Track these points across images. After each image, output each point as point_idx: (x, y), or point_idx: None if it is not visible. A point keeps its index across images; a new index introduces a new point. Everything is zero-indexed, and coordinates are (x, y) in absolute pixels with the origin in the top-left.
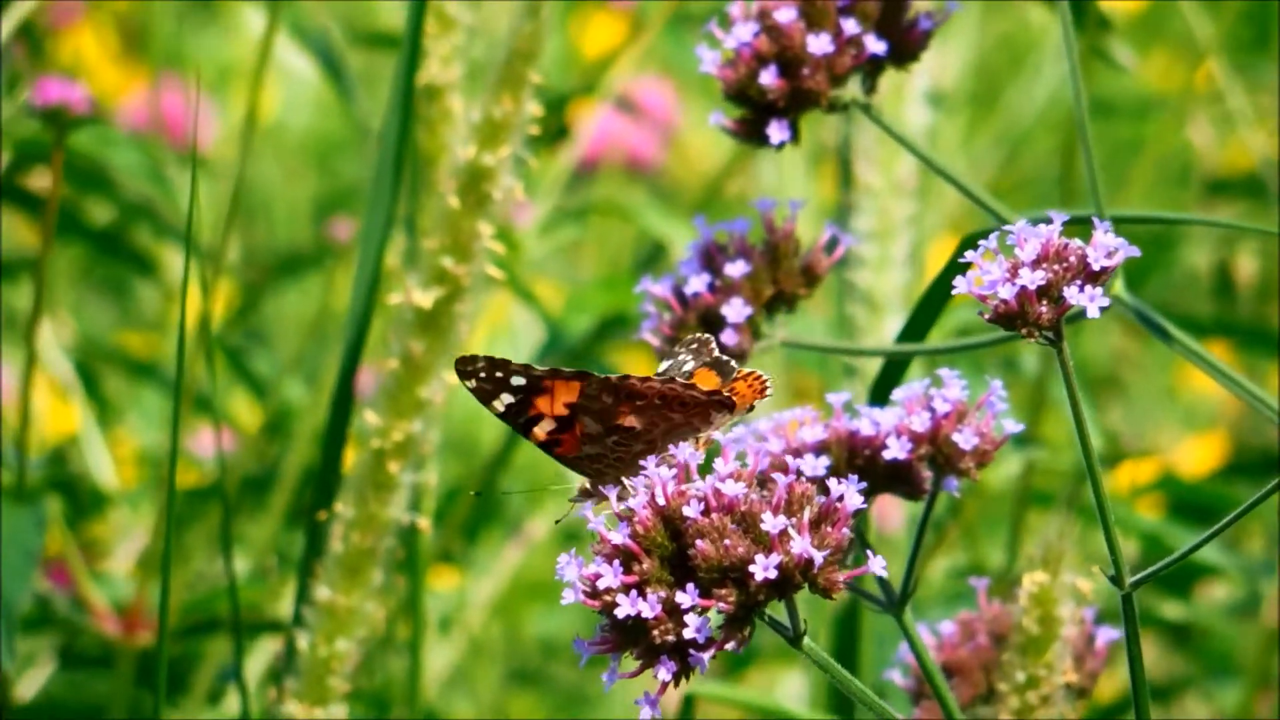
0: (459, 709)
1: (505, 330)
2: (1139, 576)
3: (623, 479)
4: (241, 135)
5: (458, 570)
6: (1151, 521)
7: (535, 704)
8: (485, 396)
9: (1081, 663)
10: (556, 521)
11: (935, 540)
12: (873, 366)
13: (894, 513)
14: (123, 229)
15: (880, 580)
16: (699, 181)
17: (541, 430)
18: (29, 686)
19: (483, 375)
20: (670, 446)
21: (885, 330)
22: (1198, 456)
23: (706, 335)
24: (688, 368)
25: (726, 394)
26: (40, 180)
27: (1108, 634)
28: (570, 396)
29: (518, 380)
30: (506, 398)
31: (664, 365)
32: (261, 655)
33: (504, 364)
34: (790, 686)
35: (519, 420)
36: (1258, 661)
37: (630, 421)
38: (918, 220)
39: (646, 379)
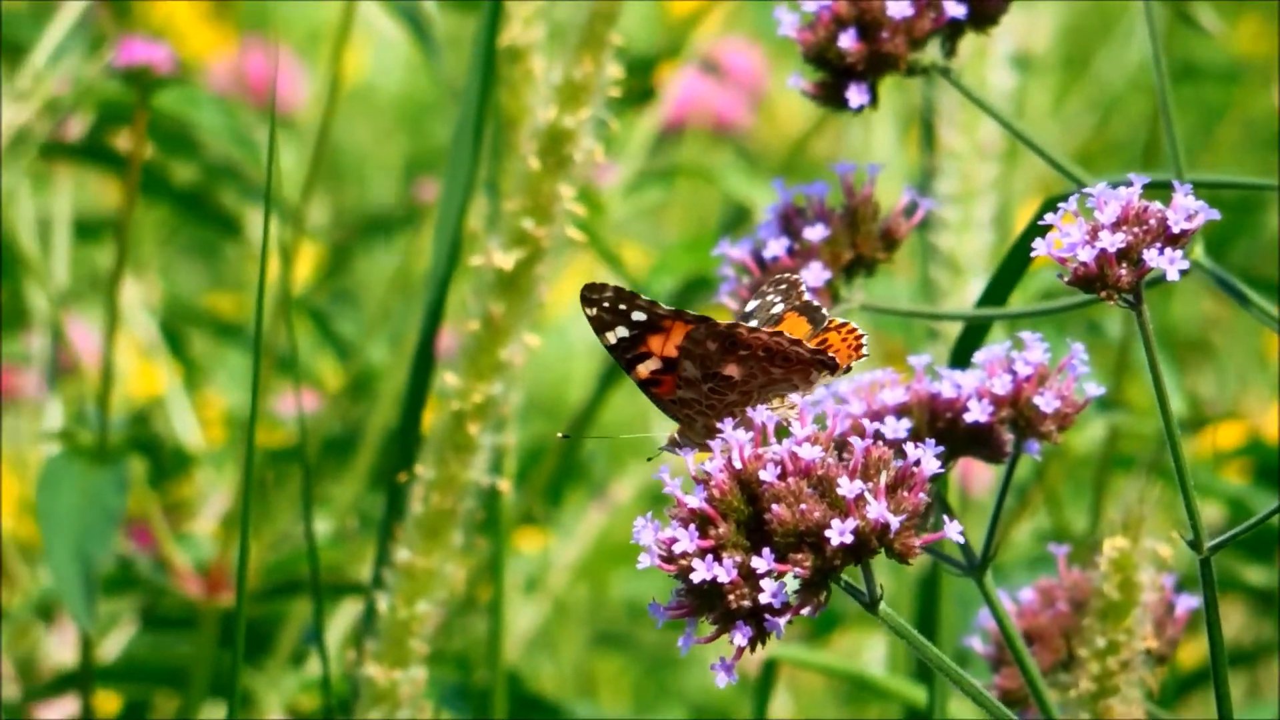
0: (543, 671)
1: None
2: (1217, 541)
3: (714, 425)
4: (324, 96)
5: (542, 532)
6: (1236, 486)
7: (621, 666)
8: (601, 326)
9: (1162, 629)
10: (649, 459)
11: (1019, 504)
12: (956, 329)
13: (983, 474)
14: (208, 190)
15: (963, 544)
16: (787, 145)
17: (645, 368)
18: (112, 648)
19: (606, 305)
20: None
21: (968, 293)
22: None
23: (796, 276)
24: (776, 310)
25: (829, 354)
26: (127, 141)
27: (1188, 601)
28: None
29: (639, 316)
30: (622, 330)
31: (752, 304)
32: (345, 617)
33: (631, 297)
34: (875, 651)
35: (626, 355)
36: None
37: (730, 371)
38: (1005, 183)
39: (755, 330)
